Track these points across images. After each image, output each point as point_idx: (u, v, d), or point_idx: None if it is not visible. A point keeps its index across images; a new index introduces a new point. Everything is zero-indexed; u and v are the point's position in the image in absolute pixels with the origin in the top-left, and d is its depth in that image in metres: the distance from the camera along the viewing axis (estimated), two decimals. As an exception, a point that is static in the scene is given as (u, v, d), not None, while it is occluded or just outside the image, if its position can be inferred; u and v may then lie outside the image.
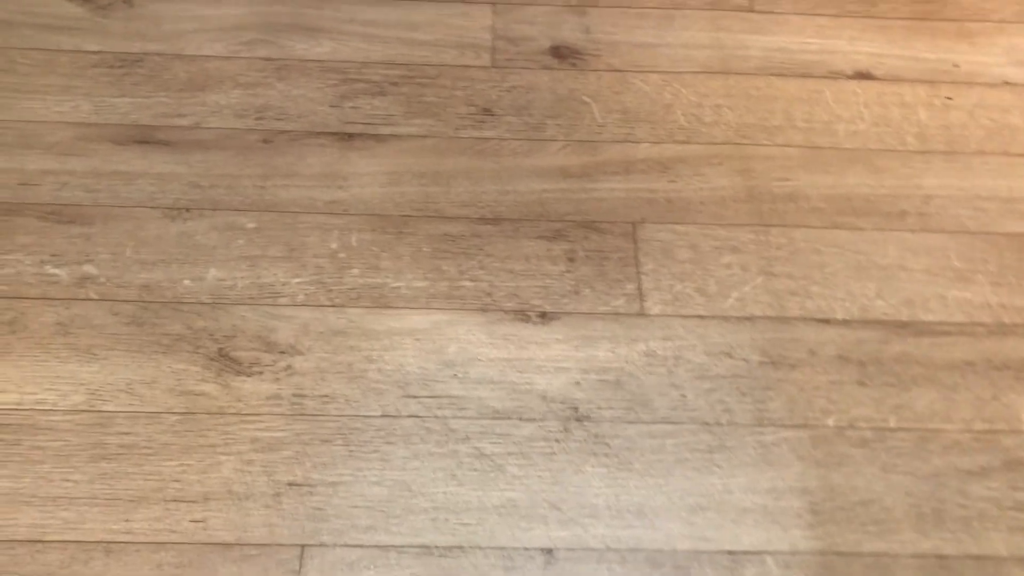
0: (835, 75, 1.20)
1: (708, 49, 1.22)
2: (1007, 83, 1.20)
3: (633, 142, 1.12)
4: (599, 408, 0.90)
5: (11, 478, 0.83)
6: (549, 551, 0.83)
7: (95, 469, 0.84)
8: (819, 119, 1.16)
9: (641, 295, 0.99)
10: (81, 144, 1.06)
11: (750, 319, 0.98)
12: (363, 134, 1.11)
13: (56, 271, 0.96)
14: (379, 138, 1.10)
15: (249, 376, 0.90)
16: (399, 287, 0.98)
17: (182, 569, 0.80)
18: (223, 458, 0.85)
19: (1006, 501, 0.87)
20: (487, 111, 1.14)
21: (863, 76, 1.20)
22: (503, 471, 0.86)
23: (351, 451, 0.86)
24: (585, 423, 0.89)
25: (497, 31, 1.22)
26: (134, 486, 0.83)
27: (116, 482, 0.83)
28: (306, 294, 0.96)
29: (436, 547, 0.82)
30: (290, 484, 0.84)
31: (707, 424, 0.90)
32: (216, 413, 0.87)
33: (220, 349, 0.92)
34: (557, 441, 0.88)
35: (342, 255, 1.00)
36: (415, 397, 0.90)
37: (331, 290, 0.97)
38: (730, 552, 0.84)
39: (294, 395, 0.89)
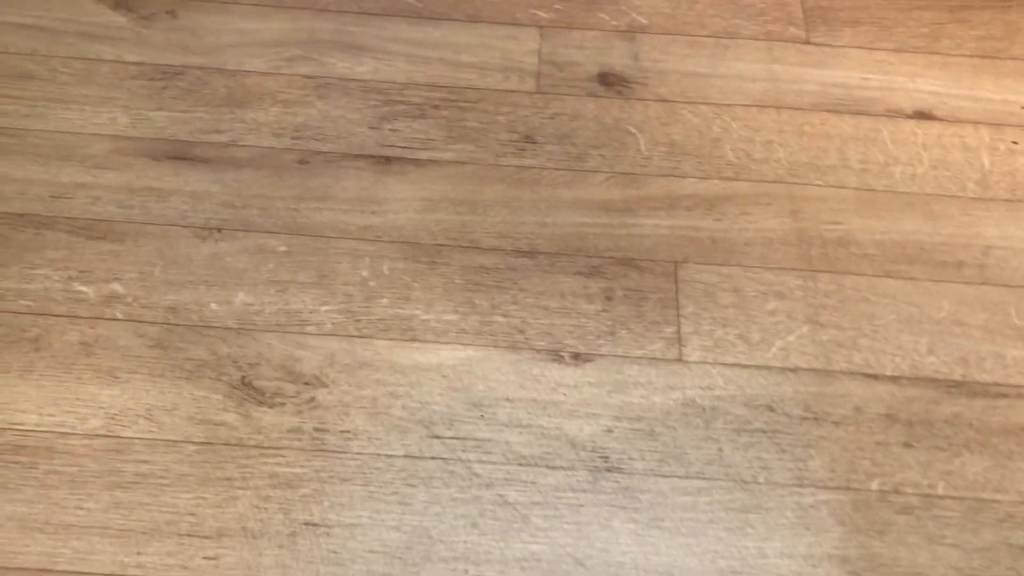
0: (893, 114, 1.15)
1: (761, 81, 1.18)
2: (1077, 129, 1.14)
3: (679, 177, 1.08)
4: (630, 459, 0.87)
5: (25, 503, 0.81)
6: (571, 609, 0.79)
7: (109, 498, 0.82)
8: (875, 160, 1.11)
9: (680, 340, 0.95)
10: (116, 158, 1.05)
11: (794, 371, 0.93)
12: (401, 158, 1.08)
13: (83, 288, 0.94)
14: (417, 163, 1.08)
15: (271, 407, 0.87)
16: (429, 319, 0.95)
17: (192, 607, 0.77)
18: (240, 492, 0.82)
19: (1061, 582, 0.82)
20: (529, 138, 1.11)
21: (923, 116, 1.15)
22: (527, 522, 0.82)
23: (371, 492, 0.83)
24: (615, 474, 0.86)
25: (543, 55, 1.19)
26: (148, 517, 0.81)
27: (130, 512, 0.81)
28: (333, 323, 0.94)
29: (453, 598, 0.79)
30: (306, 523, 0.81)
31: (743, 482, 0.86)
32: (235, 444, 0.85)
33: (243, 377, 0.89)
34: (585, 492, 0.84)
35: (372, 283, 0.97)
36: (439, 437, 0.87)
37: (359, 320, 0.94)
38: (762, 621, 0.80)
39: (316, 429, 0.87)
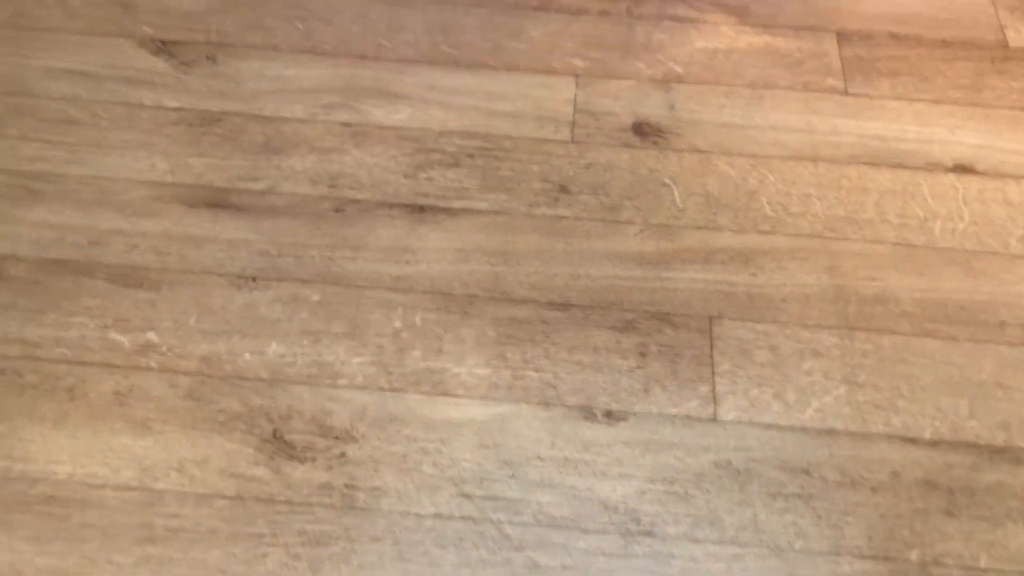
0: (933, 167, 1.14)
1: (798, 133, 1.17)
2: (1123, 186, 1.12)
3: (714, 229, 1.07)
4: (663, 522, 0.85)
5: (57, 555, 0.81)
6: (601, 678, 0.78)
7: (140, 551, 0.82)
8: (914, 215, 1.09)
9: (715, 399, 0.93)
10: (154, 204, 1.06)
11: (830, 433, 0.91)
12: (435, 207, 1.08)
13: (119, 337, 0.95)
14: (451, 212, 1.08)
15: (302, 462, 0.87)
16: (460, 373, 0.94)
17: (219, 666, 0.77)
18: (269, 549, 0.82)
19: (1108, 662, 0.80)
20: (563, 188, 1.11)
21: (964, 169, 1.14)
22: (557, 586, 0.81)
23: (400, 551, 0.83)
24: (648, 538, 0.84)
25: (579, 104, 1.19)
26: (177, 573, 0.81)
27: (160, 567, 0.81)
28: (365, 376, 0.94)
29: (482, 664, 0.78)
30: (335, 582, 0.81)
31: (779, 548, 0.84)
32: (266, 500, 0.85)
33: (275, 430, 0.89)
34: (617, 556, 0.83)
35: (405, 335, 0.97)
36: (469, 497, 0.86)
37: (391, 372, 0.94)
38: None
39: (346, 485, 0.86)
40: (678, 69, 1.23)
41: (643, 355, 0.97)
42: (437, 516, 0.85)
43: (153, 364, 0.93)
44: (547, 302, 1.01)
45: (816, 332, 0.99)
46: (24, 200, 1.06)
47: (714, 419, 0.92)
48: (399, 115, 1.17)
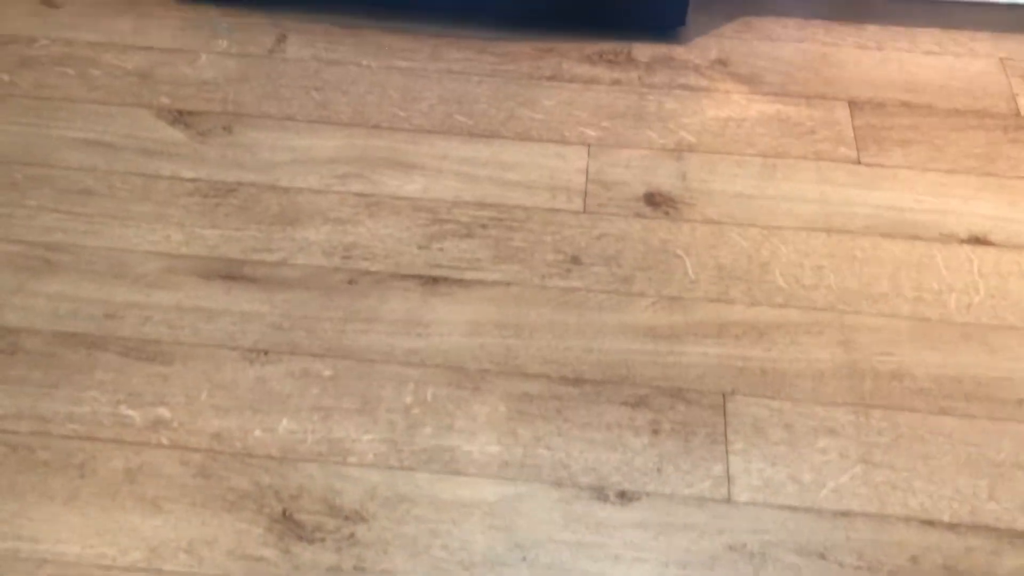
0: (947, 238, 1.13)
1: (811, 203, 1.17)
2: None
3: (727, 302, 1.07)
4: (676, 609, 0.84)
5: (63, 639, 0.81)
6: None
7: (147, 636, 0.81)
8: (929, 287, 1.08)
9: (729, 478, 0.92)
10: (168, 276, 1.07)
11: (846, 515, 0.90)
12: (448, 278, 1.08)
13: (131, 412, 0.95)
14: (463, 283, 1.08)
15: (311, 543, 0.87)
16: (471, 451, 0.94)
17: None
18: (277, 635, 0.81)
19: None
20: (575, 259, 1.11)
21: (979, 241, 1.13)
22: (568, 675, 0.80)
23: (409, 638, 0.82)
24: (660, 625, 0.83)
25: (591, 174, 1.20)
26: (184, 659, 0.80)
27: (166, 653, 0.80)
28: (376, 453, 0.93)
29: None
30: (343, 670, 0.79)
31: (794, 637, 0.83)
32: (274, 583, 0.84)
33: (284, 510, 0.89)
34: (629, 645, 0.82)
35: (416, 411, 0.97)
36: (480, 580, 0.85)
37: (401, 450, 0.93)
38: None
39: (355, 567, 0.85)
40: (690, 138, 1.24)
41: (656, 432, 0.96)
42: (447, 601, 0.84)
43: (164, 440, 0.93)
44: (559, 377, 1.00)
45: (831, 409, 0.98)
46: (42, 271, 1.07)
47: (728, 500, 0.91)
48: (413, 185, 1.17)
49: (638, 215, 1.16)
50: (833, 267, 1.10)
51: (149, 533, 0.87)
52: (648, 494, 0.91)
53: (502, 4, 1.36)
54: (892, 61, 1.35)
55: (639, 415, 0.97)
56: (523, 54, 1.34)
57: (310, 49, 1.34)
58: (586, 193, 1.18)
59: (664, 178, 1.19)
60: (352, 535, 0.87)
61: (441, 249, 1.11)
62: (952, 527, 0.90)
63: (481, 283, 1.08)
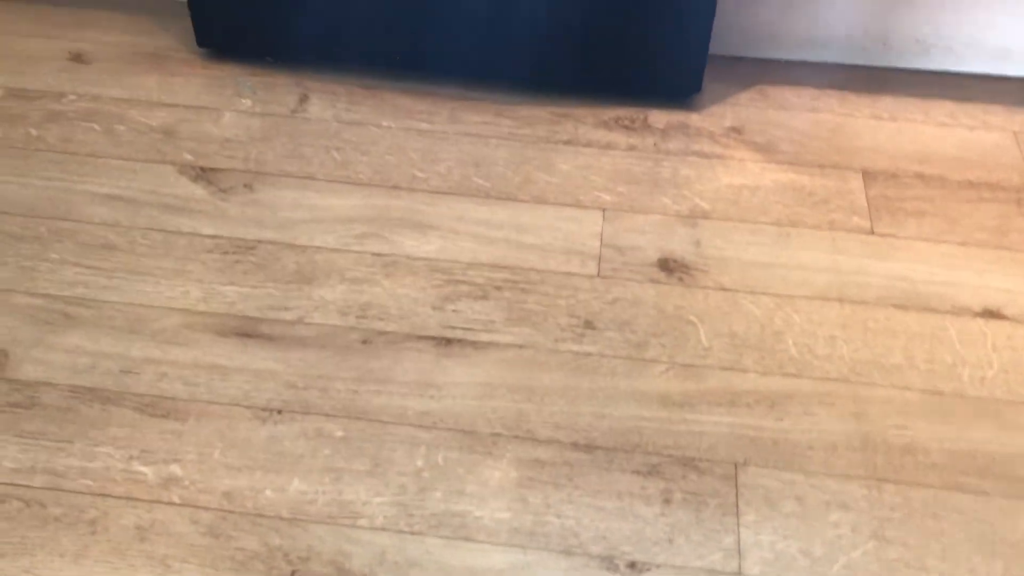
0: (961, 311, 1.14)
1: (825, 273, 1.18)
2: None
3: (740, 371, 1.07)
4: None
5: None
6: None
7: None
8: (942, 360, 1.08)
9: (740, 551, 0.92)
10: (185, 333, 1.08)
11: (859, 592, 0.89)
12: (461, 340, 1.09)
13: (143, 469, 0.96)
14: (477, 345, 1.09)
15: (319, 608, 0.86)
16: (481, 517, 0.94)
17: None
18: None
19: None
20: (589, 324, 1.11)
21: (992, 315, 1.13)
22: None
23: None
24: None
25: (605, 238, 1.21)
26: None
27: None
28: (386, 517, 0.93)
29: None
30: None
31: None
32: (280, 648, 0.84)
33: (294, 572, 0.89)
34: None
35: (427, 474, 0.97)
36: (488, 651, 0.84)
37: (411, 514, 0.93)
38: None
39: (362, 634, 0.85)
40: (704, 205, 1.25)
41: (667, 502, 0.95)
42: (454, 671, 0.83)
43: (176, 498, 0.94)
44: (571, 443, 1.00)
45: (843, 483, 0.97)
46: (62, 325, 1.08)
47: (738, 573, 0.90)
48: (429, 246, 1.19)
49: (652, 280, 1.16)
50: (846, 337, 1.11)
51: (157, 593, 0.87)
52: (659, 565, 0.91)
53: (519, 68, 1.38)
54: (906, 132, 1.36)
55: (651, 484, 0.97)
56: (540, 118, 1.36)
57: (331, 109, 1.36)
58: (600, 257, 1.19)
59: (678, 244, 1.20)
60: (360, 600, 0.87)
61: (455, 310, 1.12)
62: (966, 607, 0.89)
63: (495, 345, 1.09)
